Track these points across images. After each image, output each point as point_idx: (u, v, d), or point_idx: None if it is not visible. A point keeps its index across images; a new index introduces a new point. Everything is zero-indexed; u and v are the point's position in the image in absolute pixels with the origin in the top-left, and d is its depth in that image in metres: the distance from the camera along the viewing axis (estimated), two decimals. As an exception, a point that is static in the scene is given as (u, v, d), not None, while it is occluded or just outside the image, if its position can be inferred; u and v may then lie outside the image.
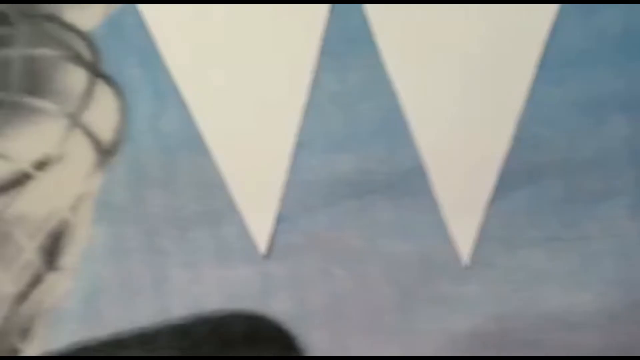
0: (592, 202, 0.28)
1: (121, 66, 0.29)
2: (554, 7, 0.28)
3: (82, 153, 0.29)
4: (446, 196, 0.28)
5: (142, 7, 0.29)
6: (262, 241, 0.28)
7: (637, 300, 0.28)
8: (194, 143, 0.29)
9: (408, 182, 0.29)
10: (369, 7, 0.28)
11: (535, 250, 0.28)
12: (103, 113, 0.29)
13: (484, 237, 0.28)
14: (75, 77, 0.29)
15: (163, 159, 0.29)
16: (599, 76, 0.28)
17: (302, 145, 0.29)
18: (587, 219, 0.28)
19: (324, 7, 0.28)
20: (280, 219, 0.29)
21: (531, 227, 0.28)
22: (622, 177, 0.28)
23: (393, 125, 0.29)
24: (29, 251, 0.29)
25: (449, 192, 0.28)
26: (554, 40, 0.28)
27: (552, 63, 0.28)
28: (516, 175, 0.28)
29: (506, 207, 0.28)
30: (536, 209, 0.28)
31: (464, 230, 0.28)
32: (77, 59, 0.29)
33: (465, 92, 0.28)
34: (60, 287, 0.28)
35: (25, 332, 0.29)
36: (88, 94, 0.29)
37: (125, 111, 0.29)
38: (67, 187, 0.29)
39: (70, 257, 0.29)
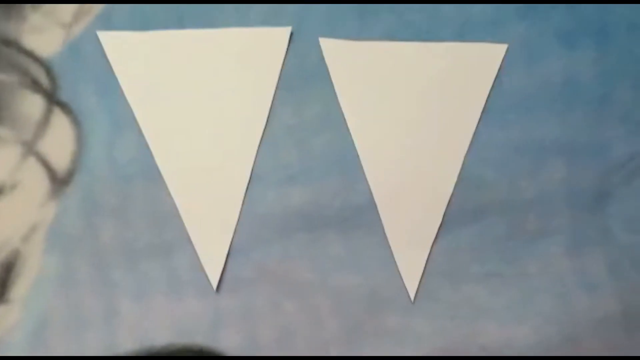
0: (531, 240, 0.30)
1: (79, 94, 0.29)
2: (500, 55, 0.29)
3: (36, 182, 0.29)
4: (395, 232, 0.29)
5: (102, 35, 0.29)
6: (214, 274, 0.29)
7: (571, 335, 0.29)
8: (149, 173, 0.29)
9: (359, 217, 0.29)
10: (325, 45, 0.29)
11: (477, 286, 0.29)
12: (59, 141, 0.29)
13: (430, 272, 0.29)
14: (32, 104, 0.29)
15: (117, 188, 0.29)
16: (539, 122, 0.29)
17: (256, 178, 0.29)
18: (527, 257, 0.30)
19: (282, 43, 0.29)
20: (233, 252, 0.29)
21: (474, 263, 0.30)
22: (559, 217, 0.30)
23: (347, 160, 0.29)
24: (-22, 283, 0.29)
25: (397, 228, 0.29)
26: (499, 86, 0.29)
27: (496, 108, 0.29)
28: (461, 214, 0.30)
29: (451, 244, 0.30)
30: (479, 246, 0.30)
31: (411, 265, 0.29)
32: (35, 86, 0.29)
33: (414, 133, 0.29)
34: (8, 319, 0.28)
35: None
36: (44, 122, 0.29)
37: (81, 140, 0.29)
38: (19, 216, 0.29)
39: (20, 288, 0.28)
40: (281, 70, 0.29)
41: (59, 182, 0.29)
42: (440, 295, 0.29)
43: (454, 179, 0.29)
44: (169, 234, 0.29)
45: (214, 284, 0.29)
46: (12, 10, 0.29)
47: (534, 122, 0.29)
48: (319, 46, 0.29)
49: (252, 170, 0.29)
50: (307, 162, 0.29)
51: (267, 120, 0.29)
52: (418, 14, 0.30)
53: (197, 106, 0.29)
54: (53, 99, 0.29)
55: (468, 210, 0.29)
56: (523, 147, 0.29)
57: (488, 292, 0.29)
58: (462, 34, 0.30)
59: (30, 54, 0.29)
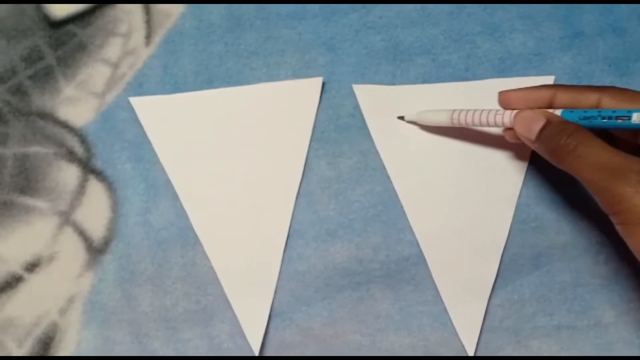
0: (603, 285, 0.27)
1: (113, 161, 0.29)
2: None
3: (73, 252, 0.28)
4: (447, 284, 0.27)
5: (134, 101, 0.29)
6: (255, 340, 0.27)
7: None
8: (185, 237, 0.28)
9: (407, 271, 0.27)
10: (359, 91, 0.28)
11: (546, 341, 0.26)
12: (94, 209, 0.29)
13: (490, 327, 0.27)
14: (67, 174, 0.29)
15: (154, 254, 0.28)
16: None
17: (295, 235, 0.28)
18: (600, 305, 0.26)
19: (315, 94, 0.28)
20: (274, 315, 0.28)
21: (540, 315, 0.27)
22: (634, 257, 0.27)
23: (389, 210, 0.28)
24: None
25: (450, 280, 0.27)
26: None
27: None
28: (520, 260, 0.27)
29: (512, 295, 0.27)
30: (544, 295, 0.27)
31: (468, 321, 0.27)
32: (70, 156, 0.29)
33: (462, 174, 0.27)
34: (44, 399, 0.27)
35: None
36: (80, 191, 0.29)
37: (116, 207, 0.28)
38: (57, 288, 0.28)
39: (58, 364, 0.28)
40: (315, 121, 0.28)
41: (96, 251, 0.28)
42: (504, 353, 0.27)
43: (509, 222, 0.27)
44: (207, 299, 0.28)
45: (256, 350, 0.27)
46: (47, 84, 0.29)
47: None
48: (353, 94, 0.28)
49: (290, 226, 0.28)
50: (347, 214, 0.28)
51: (303, 174, 0.28)
52: (454, 54, 0.28)
53: (232, 165, 0.28)
54: (88, 168, 0.29)
55: (527, 256, 0.27)
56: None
57: (559, 347, 0.26)
58: (502, 70, 0.28)
59: (65, 125, 0.29)
